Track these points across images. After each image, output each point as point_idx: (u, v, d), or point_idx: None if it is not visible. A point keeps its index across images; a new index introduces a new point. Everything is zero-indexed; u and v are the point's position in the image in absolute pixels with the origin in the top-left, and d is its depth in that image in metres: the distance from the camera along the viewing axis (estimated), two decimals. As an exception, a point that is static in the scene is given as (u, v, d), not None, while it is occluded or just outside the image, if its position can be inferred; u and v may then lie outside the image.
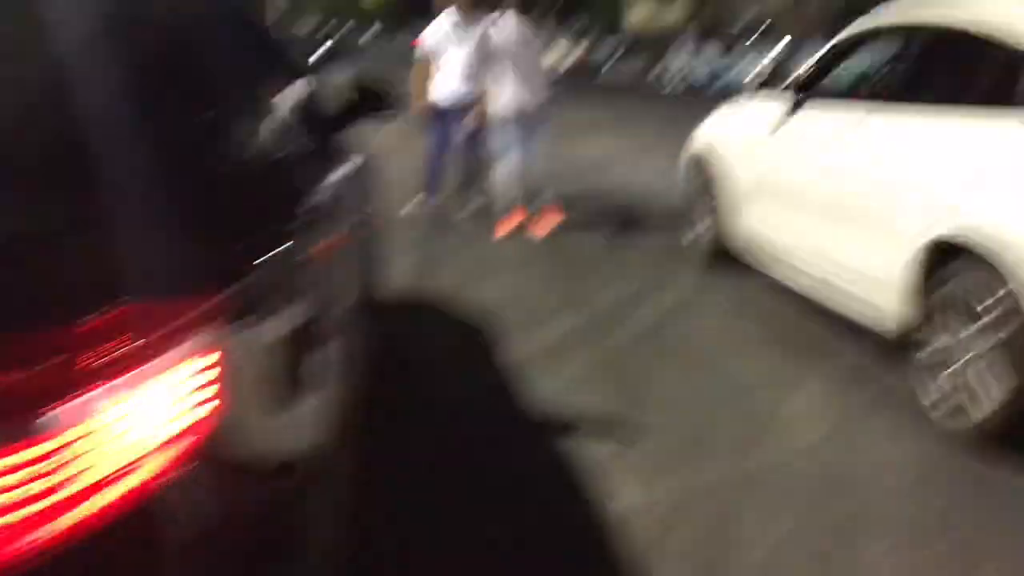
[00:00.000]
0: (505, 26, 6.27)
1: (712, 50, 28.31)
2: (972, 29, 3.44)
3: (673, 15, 43.10)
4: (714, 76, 26.04)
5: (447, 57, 6.79)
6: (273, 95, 2.43)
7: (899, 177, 3.64)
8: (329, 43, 36.02)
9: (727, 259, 5.38)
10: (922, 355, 3.43)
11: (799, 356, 4.15)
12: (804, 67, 4.74)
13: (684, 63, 27.23)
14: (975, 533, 2.66)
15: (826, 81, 4.65)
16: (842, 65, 4.66)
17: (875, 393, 3.70)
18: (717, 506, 2.81)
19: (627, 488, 2.91)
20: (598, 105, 20.10)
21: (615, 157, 10.97)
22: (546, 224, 6.65)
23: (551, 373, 3.91)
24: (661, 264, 5.80)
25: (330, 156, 2.82)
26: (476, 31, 6.41)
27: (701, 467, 3.07)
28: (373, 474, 2.54)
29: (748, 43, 27.94)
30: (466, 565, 2.47)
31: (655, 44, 32.03)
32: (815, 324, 4.51)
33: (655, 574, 2.42)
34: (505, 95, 6.40)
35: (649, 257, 5.99)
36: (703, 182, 5.64)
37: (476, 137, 6.94)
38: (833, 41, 4.64)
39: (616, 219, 7.20)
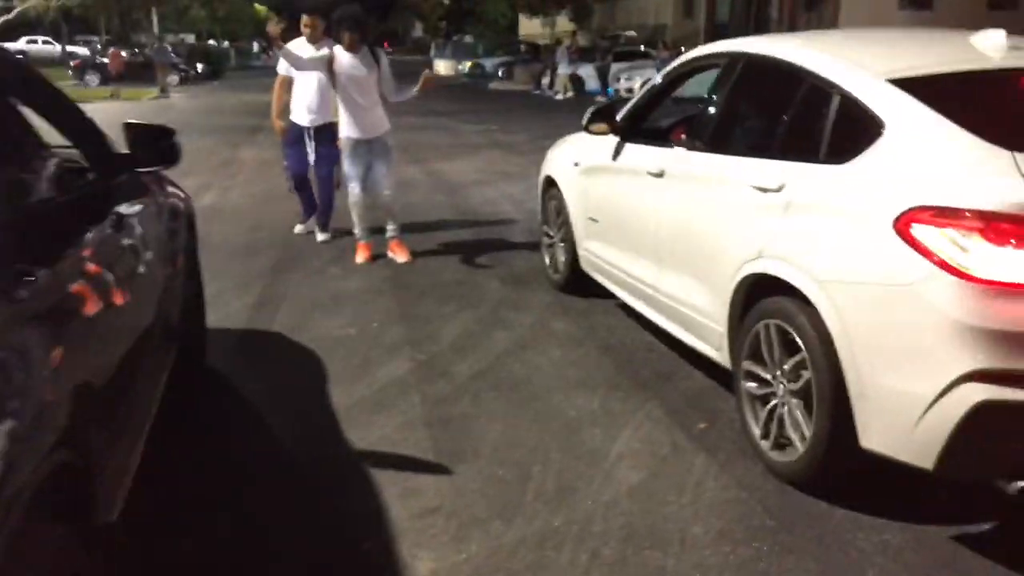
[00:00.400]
0: (342, 55, 6.09)
1: (609, 58, 28.69)
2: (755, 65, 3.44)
3: (568, 26, 43.77)
4: (608, 83, 26.32)
5: (300, 81, 6.83)
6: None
7: (709, 216, 3.61)
8: (202, 65, 35.14)
9: (583, 280, 5.29)
10: (751, 385, 3.38)
11: (638, 387, 4.07)
12: (631, 103, 4.70)
13: (572, 71, 27.45)
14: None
15: (651, 116, 4.63)
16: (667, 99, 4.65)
17: (710, 425, 3.64)
18: (521, 567, 2.67)
19: (433, 548, 2.74)
20: (483, 114, 20.07)
21: (491, 172, 10.86)
22: (404, 250, 6.48)
23: (375, 420, 3.72)
24: (517, 290, 5.68)
25: (125, 193, 3.09)
26: (324, 57, 6.21)
27: (512, 522, 2.93)
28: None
29: (643, 51, 28.45)
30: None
31: (549, 53, 32.41)
32: (658, 352, 4.46)
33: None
34: (347, 122, 6.21)
35: (507, 283, 5.86)
36: (557, 204, 5.56)
37: (331, 161, 6.80)
38: (658, 77, 4.62)
39: (481, 242, 7.07)
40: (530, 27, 52.98)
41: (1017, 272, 2.39)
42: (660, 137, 4.47)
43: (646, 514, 2.98)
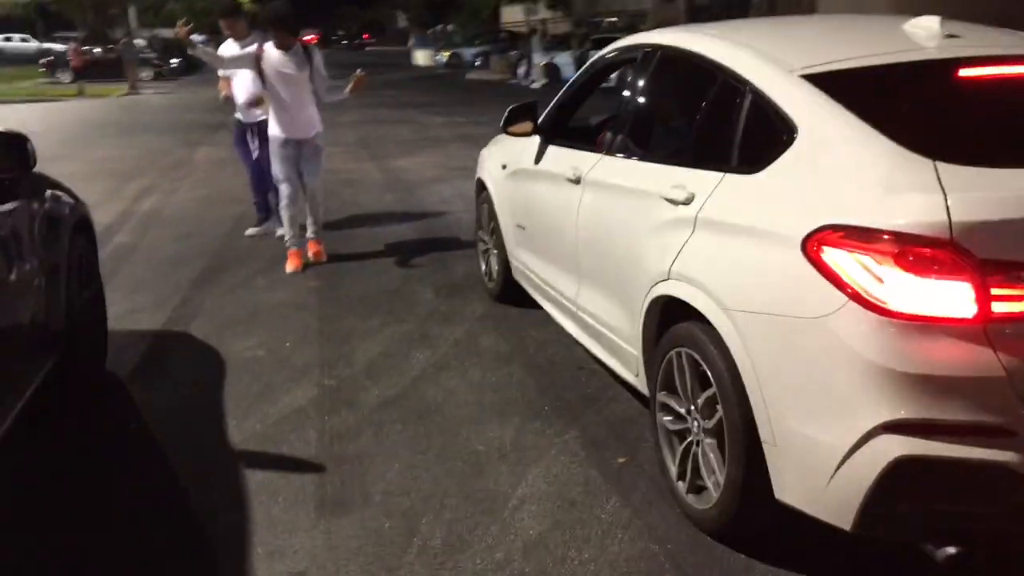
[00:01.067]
0: (272, 53, 5.71)
1: (587, 45, 28.21)
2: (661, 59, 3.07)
3: (546, 13, 43.24)
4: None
5: (236, 80, 6.68)
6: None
7: (620, 226, 3.24)
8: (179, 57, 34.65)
9: (517, 289, 4.92)
10: (666, 419, 3.02)
11: (559, 414, 3.71)
12: (552, 103, 4.32)
13: (548, 59, 27.01)
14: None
15: (570, 120, 4.27)
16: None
17: (630, 459, 3.29)
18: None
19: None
20: (455, 105, 19.67)
21: (451, 168, 10.45)
22: (320, 250, 6.27)
23: (261, 460, 3.36)
24: (450, 300, 5.31)
25: None
26: (246, 55, 5.87)
27: (408, 571, 2.58)
28: None
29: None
30: None
31: (525, 41, 31.97)
32: (589, 370, 4.11)
33: None
34: (274, 120, 5.83)
35: (441, 292, 5.49)
36: (488, 209, 5.19)
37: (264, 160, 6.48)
38: (577, 76, 4.24)
39: (424, 246, 6.69)
40: (513, 15, 52.43)
41: (933, 304, 2.03)
42: (585, 138, 4.09)
43: (545, 572, 2.63)
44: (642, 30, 3.96)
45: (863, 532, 2.22)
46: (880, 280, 2.08)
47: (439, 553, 2.75)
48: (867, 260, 2.11)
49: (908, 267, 2.05)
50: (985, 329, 2.01)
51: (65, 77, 30.24)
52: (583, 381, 4.05)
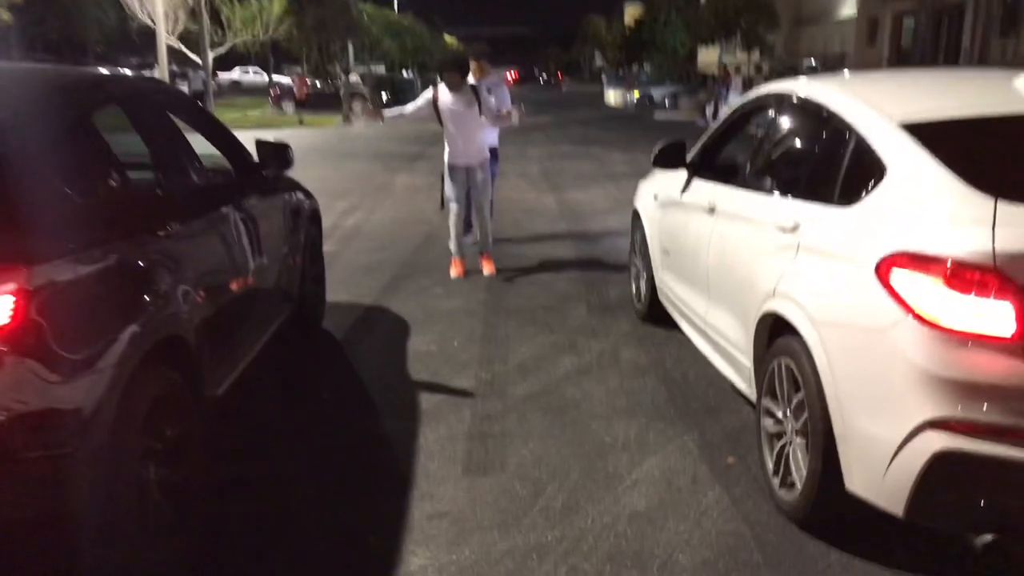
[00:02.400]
0: (444, 95, 6.69)
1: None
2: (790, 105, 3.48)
3: (740, 56, 43.05)
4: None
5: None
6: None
7: (741, 250, 3.67)
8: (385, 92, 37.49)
9: (663, 311, 5.39)
10: (767, 422, 3.42)
11: (682, 419, 4.15)
12: (699, 142, 4.79)
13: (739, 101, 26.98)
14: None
15: (715, 157, 4.71)
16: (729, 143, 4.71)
17: (737, 461, 3.68)
18: (501, 574, 2.88)
19: (430, 548, 3.02)
20: (638, 143, 20.13)
21: (623, 201, 10.98)
22: (490, 264, 7.11)
23: (423, 430, 4.04)
24: (601, 318, 5.86)
25: (251, 189, 4.42)
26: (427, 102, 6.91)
27: (509, 533, 3.14)
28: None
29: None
30: None
31: (716, 82, 32.12)
32: (717, 386, 4.51)
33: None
34: (448, 150, 6.91)
35: (594, 310, 6.05)
36: (640, 236, 5.70)
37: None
38: (722, 120, 4.69)
39: (586, 269, 7.29)
40: (709, 56, 52.47)
41: (978, 321, 2.36)
42: (727, 174, 4.53)
43: (638, 538, 3.11)
44: (845, 72, 4.36)
45: (913, 519, 2.55)
46: (933, 298, 2.44)
47: (557, 512, 3.29)
48: (924, 281, 2.47)
49: (955, 287, 2.39)
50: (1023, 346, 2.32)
51: (289, 108, 33.56)
52: (710, 395, 4.45)
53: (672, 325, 5.25)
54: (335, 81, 37.91)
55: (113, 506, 2.46)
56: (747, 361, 3.63)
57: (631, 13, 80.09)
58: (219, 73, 53.04)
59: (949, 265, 2.43)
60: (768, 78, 29.03)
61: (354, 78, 35.32)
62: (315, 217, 5.65)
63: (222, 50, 34.72)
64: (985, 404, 2.35)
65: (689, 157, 4.77)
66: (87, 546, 2.41)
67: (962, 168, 2.65)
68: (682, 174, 4.77)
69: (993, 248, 2.35)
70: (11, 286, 2.17)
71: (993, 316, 2.35)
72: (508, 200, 10.82)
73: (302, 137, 22.92)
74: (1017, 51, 29.76)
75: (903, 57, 35.62)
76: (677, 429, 4.04)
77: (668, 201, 5.01)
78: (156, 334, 2.78)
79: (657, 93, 36.37)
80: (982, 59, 29.67)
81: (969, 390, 2.37)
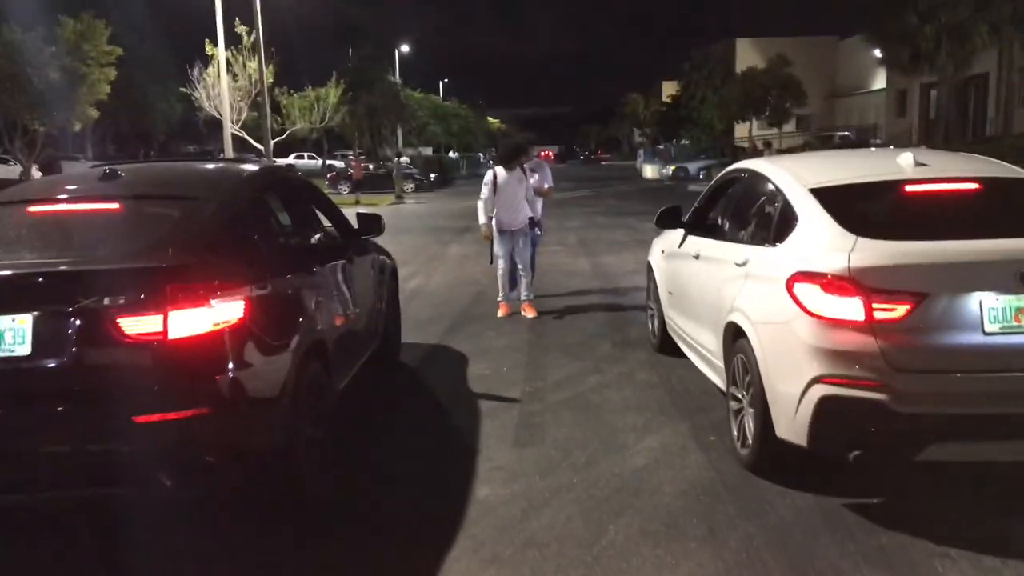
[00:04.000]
0: (500, 173, 8.37)
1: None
2: (747, 177, 4.90)
3: (772, 131, 44.70)
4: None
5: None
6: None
7: (714, 282, 5.06)
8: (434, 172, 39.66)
9: (672, 344, 6.72)
10: (732, 404, 4.73)
11: (680, 415, 5.46)
12: (694, 205, 6.21)
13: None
14: (712, 519, 3.94)
15: (703, 217, 6.09)
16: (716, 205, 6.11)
17: (718, 439, 4.97)
18: (543, 497, 4.21)
19: (491, 486, 4.36)
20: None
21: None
22: (532, 309, 8.65)
23: (483, 423, 5.41)
24: (622, 350, 7.20)
25: (355, 249, 5.86)
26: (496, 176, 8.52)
27: (547, 477, 4.48)
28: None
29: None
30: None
31: (747, 155, 33.62)
32: (711, 395, 5.80)
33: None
34: (498, 217, 8.55)
35: (617, 345, 7.40)
36: (653, 283, 7.09)
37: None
38: (707, 189, 6.12)
39: (612, 317, 8.67)
40: (745, 131, 54.34)
41: (841, 311, 3.69)
42: (710, 229, 5.91)
43: (637, 479, 4.42)
44: (874, 144, 5.80)
45: (812, 448, 3.84)
46: (817, 299, 3.78)
47: (580, 467, 4.62)
48: (812, 288, 3.82)
49: (830, 292, 3.74)
50: (870, 325, 3.65)
51: (344, 188, 35.79)
52: (703, 400, 5.75)
53: (680, 354, 6.57)
54: (387, 163, 40.34)
55: (293, 444, 3.87)
56: (720, 362, 4.96)
57: (668, 90, 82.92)
58: (276, 160, 56.10)
59: (826, 278, 3.78)
60: (804, 150, 30.39)
61: (404, 160, 37.57)
62: (394, 274, 7.20)
63: (281, 138, 37.30)
64: (848, 363, 3.67)
65: (686, 218, 6.18)
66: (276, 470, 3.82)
67: (841, 216, 4.02)
68: (680, 232, 6.17)
69: (849, 266, 3.71)
70: (242, 296, 3.64)
71: (851, 308, 3.69)
72: (548, 264, 12.28)
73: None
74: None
75: (931, 126, 36.85)
76: (674, 420, 5.35)
77: (671, 253, 6.41)
78: (312, 335, 4.25)
79: (692, 167, 37.99)
80: (1007, 126, 30.85)
81: (839, 355, 3.69)
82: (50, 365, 3.30)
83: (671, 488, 4.31)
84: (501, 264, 8.69)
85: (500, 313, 8.73)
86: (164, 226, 3.85)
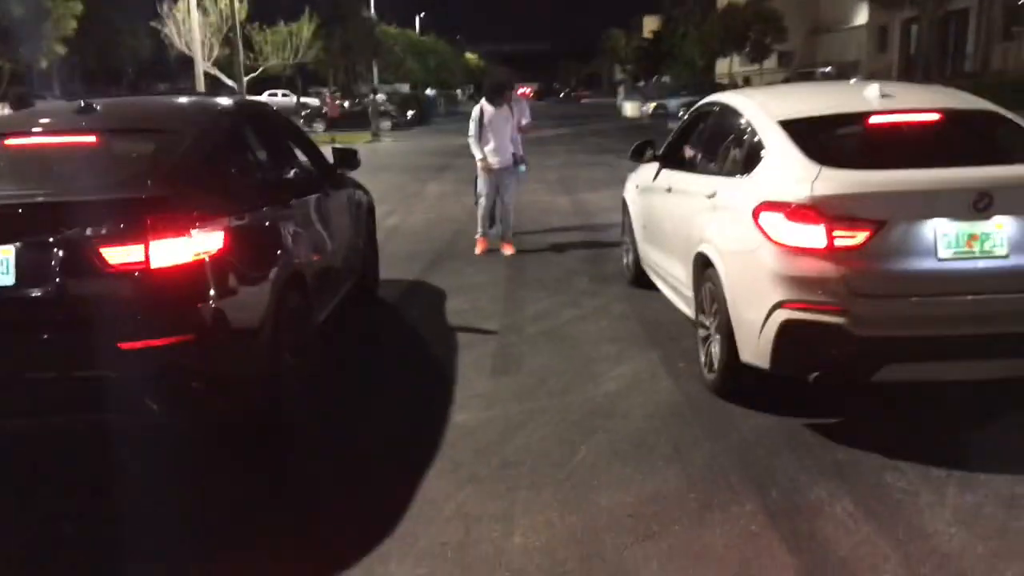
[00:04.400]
0: (487, 108, 8.32)
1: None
2: (718, 110, 4.99)
3: (754, 67, 44.45)
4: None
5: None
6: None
7: (684, 215, 5.17)
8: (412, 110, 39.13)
9: (646, 277, 6.86)
10: (701, 332, 4.89)
11: (652, 344, 5.63)
12: (668, 139, 6.28)
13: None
14: (679, 439, 4.13)
15: (676, 151, 6.17)
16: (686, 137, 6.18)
17: (687, 366, 5.15)
18: (517, 421, 4.39)
19: (469, 412, 4.53)
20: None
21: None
22: (510, 246, 8.76)
23: (461, 354, 5.56)
24: (599, 285, 7.35)
25: (331, 182, 5.93)
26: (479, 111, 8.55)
27: (523, 402, 4.65)
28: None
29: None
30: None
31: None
32: (681, 326, 5.96)
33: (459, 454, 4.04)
34: (485, 153, 8.40)
35: (594, 280, 7.54)
36: (628, 219, 7.20)
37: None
38: (679, 123, 6.19)
39: (589, 253, 8.80)
40: (726, 67, 54.00)
41: (804, 239, 3.83)
42: (682, 162, 6.01)
43: (609, 404, 4.61)
44: (855, 79, 5.84)
45: (774, 370, 4.02)
46: (781, 228, 3.91)
47: (555, 393, 4.79)
48: (776, 217, 3.95)
49: (794, 220, 3.87)
50: (831, 252, 3.79)
51: (319, 127, 35.39)
52: (674, 330, 5.91)
53: (653, 288, 6.72)
54: (362, 100, 39.81)
55: (274, 373, 4.00)
56: (689, 293, 5.11)
57: (649, 26, 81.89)
58: (251, 96, 55.07)
59: (790, 207, 3.90)
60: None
61: (380, 97, 37.10)
62: (371, 210, 7.26)
63: (255, 75, 36.59)
64: (810, 289, 3.82)
65: (660, 152, 6.27)
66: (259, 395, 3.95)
67: (807, 147, 4.13)
68: (654, 167, 6.26)
69: (812, 195, 3.83)
70: (221, 226, 3.71)
71: (813, 236, 3.82)
72: (527, 202, 12.32)
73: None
74: (1019, 56, 30.91)
75: (912, 63, 36.84)
76: (646, 350, 5.53)
77: (645, 188, 6.52)
78: (290, 267, 4.34)
79: (672, 104, 37.76)
80: (986, 62, 30.92)
81: (801, 281, 3.84)
82: (34, 294, 3.38)
83: (641, 411, 4.49)
84: (483, 201, 8.74)
85: (478, 250, 8.82)
86: (143, 158, 3.90)
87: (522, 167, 8.89)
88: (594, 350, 5.56)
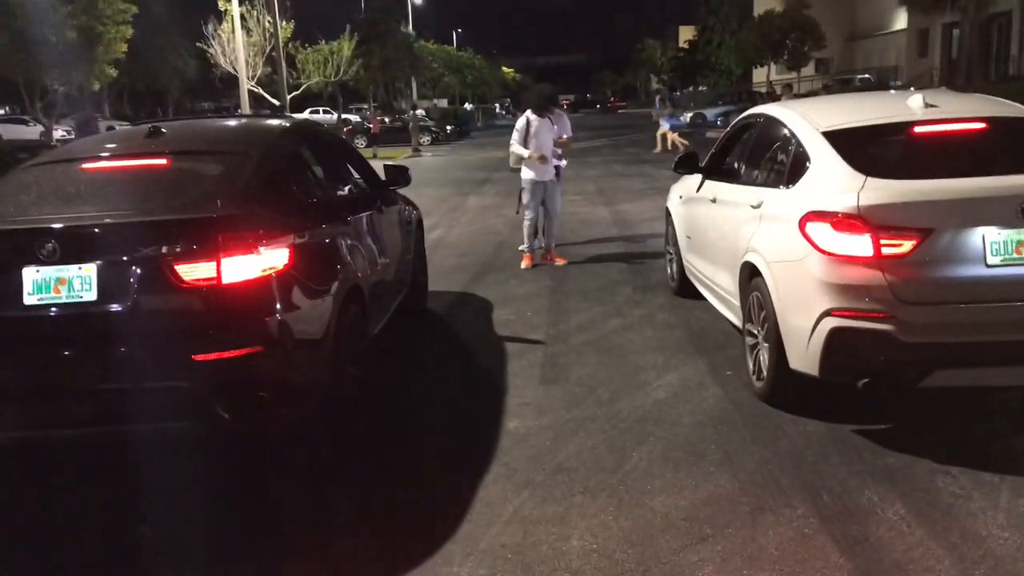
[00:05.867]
0: (533, 120, 8.48)
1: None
2: (763, 121, 5.07)
3: (791, 75, 44.11)
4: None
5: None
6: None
7: (730, 225, 5.25)
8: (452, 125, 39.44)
9: (691, 287, 6.93)
10: (748, 340, 4.96)
11: (698, 353, 5.70)
12: (711, 151, 6.36)
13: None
14: (729, 445, 4.21)
15: (720, 162, 6.25)
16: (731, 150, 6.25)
17: (735, 373, 5.22)
18: (568, 428, 4.50)
19: (521, 419, 4.65)
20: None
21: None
22: (557, 258, 8.89)
23: (510, 363, 5.69)
24: (643, 295, 7.43)
25: (383, 199, 6.10)
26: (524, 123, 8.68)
27: (572, 410, 4.76)
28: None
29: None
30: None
31: (768, 100, 33.29)
32: (728, 334, 6.04)
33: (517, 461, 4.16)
34: (529, 168, 8.59)
35: (638, 290, 7.63)
36: (671, 228, 7.28)
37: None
38: (723, 134, 6.27)
39: (631, 263, 8.89)
40: (763, 75, 53.60)
41: (851, 248, 3.90)
42: (727, 173, 6.08)
43: (657, 411, 4.70)
44: (894, 87, 5.94)
45: (823, 377, 4.08)
46: (827, 237, 3.99)
47: (604, 401, 4.89)
48: (823, 227, 4.02)
49: (840, 230, 3.94)
50: (878, 260, 3.85)
51: (360, 142, 35.89)
52: (720, 338, 5.99)
53: (698, 297, 6.79)
54: (402, 116, 40.28)
55: (336, 382, 4.16)
56: (736, 301, 5.18)
57: (684, 36, 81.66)
58: (292, 114, 56.03)
59: (836, 217, 3.98)
60: (823, 94, 30.08)
61: (420, 112, 37.53)
62: (420, 223, 7.43)
63: (297, 92, 37.18)
64: (857, 297, 3.89)
65: (703, 163, 6.35)
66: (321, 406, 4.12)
67: (852, 158, 4.20)
68: (698, 177, 6.35)
69: (858, 205, 3.90)
70: (286, 243, 3.89)
71: (860, 245, 3.89)
72: (567, 214, 12.36)
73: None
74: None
75: (954, 67, 36.29)
76: (692, 358, 5.60)
77: (688, 198, 6.60)
78: (349, 280, 4.51)
79: (710, 113, 37.71)
80: (1026, 65, 30.38)
81: (848, 289, 3.91)
82: (114, 309, 3.58)
83: (690, 419, 4.57)
84: (529, 214, 8.78)
85: (524, 264, 8.86)
86: (212, 179, 4.10)
87: (563, 162, 8.94)
88: (641, 359, 5.65)
